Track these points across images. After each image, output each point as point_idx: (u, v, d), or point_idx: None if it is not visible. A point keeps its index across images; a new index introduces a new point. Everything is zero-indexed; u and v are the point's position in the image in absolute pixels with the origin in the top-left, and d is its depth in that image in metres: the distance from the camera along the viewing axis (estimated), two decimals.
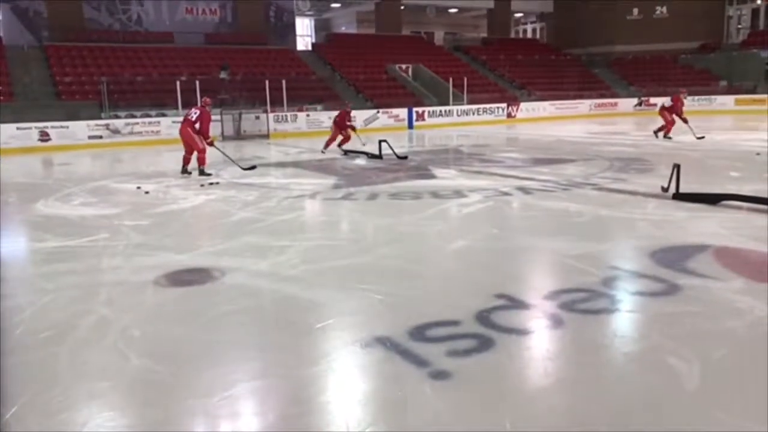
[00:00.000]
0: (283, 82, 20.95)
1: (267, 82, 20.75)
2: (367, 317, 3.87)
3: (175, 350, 3.45)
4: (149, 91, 20.79)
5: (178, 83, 19.31)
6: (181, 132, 10.86)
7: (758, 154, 11.83)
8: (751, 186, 7.94)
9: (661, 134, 15.77)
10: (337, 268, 4.94)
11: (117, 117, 18.88)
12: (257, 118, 19.88)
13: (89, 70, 21.53)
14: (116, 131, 18.08)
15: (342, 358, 3.32)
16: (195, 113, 10.67)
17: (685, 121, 15.14)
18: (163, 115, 19.17)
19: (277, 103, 20.79)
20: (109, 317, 3.95)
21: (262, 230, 6.41)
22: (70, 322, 3.85)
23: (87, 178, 11.00)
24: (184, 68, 22.81)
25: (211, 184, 9.63)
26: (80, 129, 17.64)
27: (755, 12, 32.80)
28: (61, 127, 17.40)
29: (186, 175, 10.60)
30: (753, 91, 27.45)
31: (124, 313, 4.00)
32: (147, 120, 18.70)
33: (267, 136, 19.58)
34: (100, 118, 18.68)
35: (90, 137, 17.65)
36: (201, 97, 19.23)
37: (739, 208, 6.70)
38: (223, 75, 22.92)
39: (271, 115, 20.03)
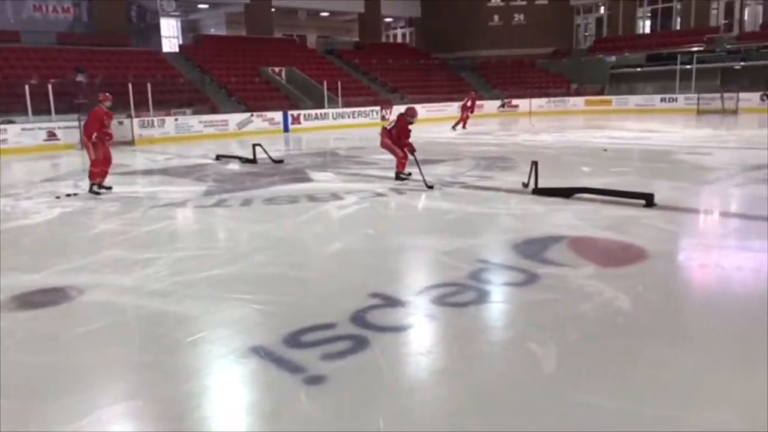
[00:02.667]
0: (149, 85, 19.85)
1: (130, 85, 19.55)
2: (240, 327, 3.77)
3: (25, 380, 3.14)
4: None
5: (27, 87, 17.65)
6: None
7: (606, 150, 13.02)
8: (600, 179, 8.71)
9: (458, 127, 20.76)
10: (209, 279, 4.76)
11: None
12: (120, 123, 18.61)
13: None
14: None
15: (214, 372, 3.20)
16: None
17: (467, 117, 21.25)
18: (10, 122, 17.41)
19: (142, 108, 19.65)
20: None
21: (126, 243, 6.02)
22: None
23: None
24: (33, 70, 20.89)
25: (69, 195, 8.89)
26: None
27: (599, 21, 36.03)
28: None
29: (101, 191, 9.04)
30: (600, 93, 30.17)
31: None
32: None
33: (132, 142, 18.46)
34: None
35: None
36: (54, 101, 17.86)
37: (591, 200, 7.32)
38: (79, 78, 21.28)
39: (135, 120, 18.89)
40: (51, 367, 3.27)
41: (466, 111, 21.52)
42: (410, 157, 9.32)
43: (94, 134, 8.96)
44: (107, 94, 9.39)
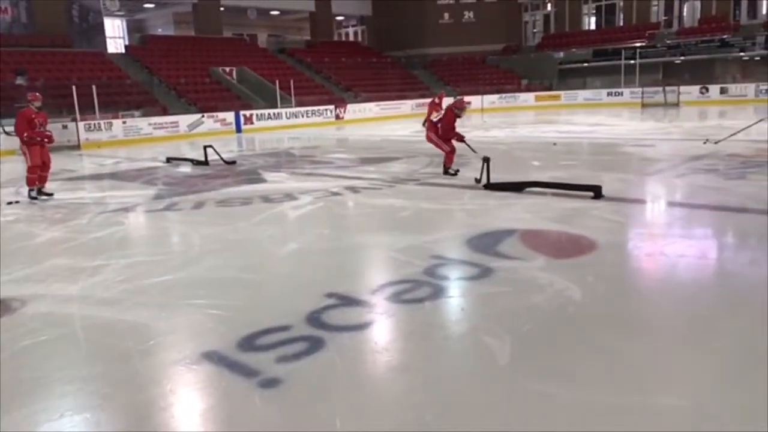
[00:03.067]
0: (94, 87, 19.23)
1: (74, 87, 18.91)
2: (193, 333, 3.70)
3: None
4: None
5: None
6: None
7: (555, 144, 13.31)
8: (550, 173, 8.90)
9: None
10: (160, 285, 4.65)
11: None
12: (65, 127, 18.01)
13: None
14: None
15: (167, 379, 3.13)
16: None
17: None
18: None
19: (88, 111, 19.04)
20: None
21: (72, 251, 5.82)
22: None
23: None
24: None
25: (9, 203, 8.54)
26: None
27: (547, 18, 36.81)
28: None
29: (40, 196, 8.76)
30: (549, 88, 30.85)
31: None
32: None
33: (78, 146, 17.86)
34: None
35: None
36: None
37: (541, 193, 7.47)
38: (20, 81, 20.47)
39: (81, 124, 18.29)
40: None
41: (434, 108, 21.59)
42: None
43: (25, 134, 8.56)
44: (36, 93, 8.94)
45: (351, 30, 43.62)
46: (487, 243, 5.34)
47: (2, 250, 6.12)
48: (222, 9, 31.57)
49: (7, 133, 8.34)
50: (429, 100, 29.48)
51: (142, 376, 3.17)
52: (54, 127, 17.88)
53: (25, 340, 3.66)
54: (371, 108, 26.87)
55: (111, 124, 19.03)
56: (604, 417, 2.60)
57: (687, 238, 5.42)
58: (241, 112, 22.45)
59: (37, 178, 8.74)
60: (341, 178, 9.71)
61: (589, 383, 2.87)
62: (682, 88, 25.68)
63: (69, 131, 17.98)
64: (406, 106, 28.15)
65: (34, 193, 8.68)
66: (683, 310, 3.79)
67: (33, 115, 8.66)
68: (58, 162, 14.45)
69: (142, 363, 3.32)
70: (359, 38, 42.45)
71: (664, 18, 32.68)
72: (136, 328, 3.78)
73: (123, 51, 28.54)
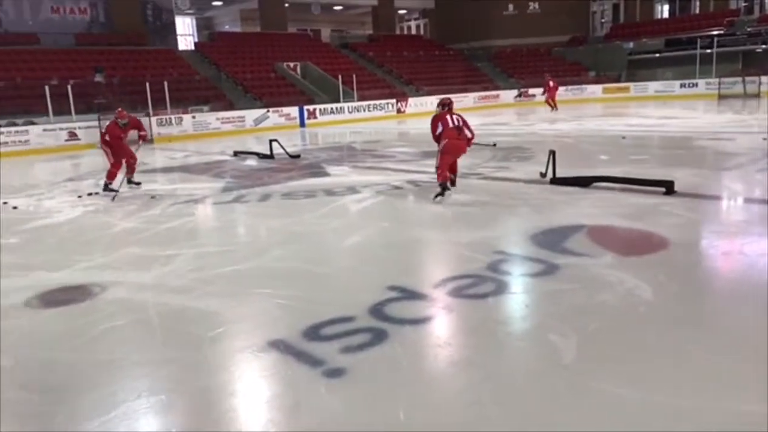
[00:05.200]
0: (165, 83, 20.02)
1: (148, 84, 19.74)
2: (260, 322, 3.80)
3: (52, 376, 3.21)
4: (13, 98, 19.10)
5: (47, 88, 17.90)
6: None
7: (624, 137, 12.85)
8: (619, 167, 8.60)
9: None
10: (229, 274, 4.80)
11: None
12: None
13: None
14: None
15: (235, 366, 3.23)
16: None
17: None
18: (32, 123, 17.69)
19: (160, 106, 19.85)
20: None
21: (147, 240, 6.09)
22: None
23: None
24: (52, 72, 21.17)
25: (90, 194, 9.02)
26: None
27: (616, 7, 35.51)
28: None
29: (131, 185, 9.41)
30: (617, 80, 29.76)
31: None
32: (13, 129, 17.16)
33: (151, 140, 18.62)
34: None
35: None
36: (74, 102, 18.09)
37: (610, 188, 7.23)
38: (98, 78, 21.54)
39: (154, 119, 19.07)
40: (76, 363, 3.33)
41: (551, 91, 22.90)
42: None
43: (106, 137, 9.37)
44: (123, 111, 9.59)
45: (413, 23, 43.50)
46: (552, 239, 5.23)
47: (84, 239, 6.48)
48: (287, 5, 32.14)
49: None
50: (492, 93, 29.24)
51: (212, 362, 3.29)
52: None
53: (104, 324, 3.86)
54: (432, 101, 26.57)
55: (181, 119, 19.77)
56: (673, 420, 2.50)
57: None
58: (305, 107, 22.81)
59: (116, 173, 9.20)
60: (403, 172, 9.72)
61: (658, 386, 2.76)
62: (764, 78, 24.20)
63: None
64: (469, 99, 27.80)
65: (114, 186, 9.07)
66: (761, 313, 3.59)
67: (120, 134, 9.31)
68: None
69: (211, 349, 3.44)
70: (421, 31, 42.27)
71: (744, 4, 30.91)
72: (206, 316, 3.92)
73: (192, 48, 29.51)
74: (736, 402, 2.60)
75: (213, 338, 3.57)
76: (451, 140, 7.21)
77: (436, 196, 7.16)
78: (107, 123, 9.93)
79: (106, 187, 9.03)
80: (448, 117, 7.40)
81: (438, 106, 7.77)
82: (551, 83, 22.98)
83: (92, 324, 3.86)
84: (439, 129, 7.36)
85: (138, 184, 9.61)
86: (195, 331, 3.65)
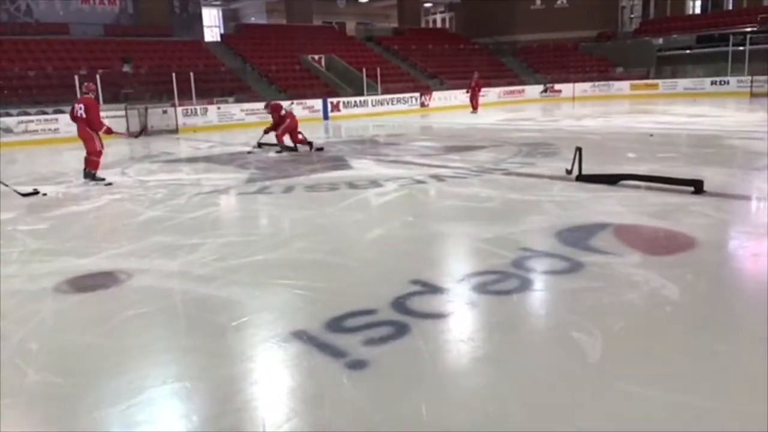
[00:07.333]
0: (191, 74, 20.22)
1: (174, 74, 19.95)
2: (283, 312, 3.82)
3: (78, 361, 3.27)
4: (44, 87, 19.48)
5: (76, 77, 18.17)
6: (79, 133, 9.43)
7: (652, 135, 12.64)
8: (646, 165, 8.47)
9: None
10: (252, 264, 4.84)
11: (8, 114, 17.54)
12: (164, 112, 19.09)
13: None
14: (8, 130, 16.79)
15: (258, 355, 3.26)
16: (80, 108, 9.07)
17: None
18: (61, 111, 17.98)
19: (185, 97, 20.05)
20: (3, 330, 3.67)
21: (172, 229, 6.17)
22: None
23: None
24: (82, 62, 21.52)
25: (108, 185, 9.08)
26: None
27: (646, 2, 34.90)
28: None
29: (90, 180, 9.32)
30: (646, 77, 29.30)
31: (20, 325, 3.73)
32: (43, 117, 17.49)
33: (176, 130, 18.86)
34: None
35: None
36: (102, 91, 18.35)
37: (636, 186, 7.13)
38: (126, 68, 21.83)
39: (179, 109, 19.29)
40: (102, 348, 3.39)
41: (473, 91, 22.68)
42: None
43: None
44: (89, 84, 9.60)
45: (439, 17, 43.28)
46: (578, 236, 5.17)
47: (111, 226, 6.59)
48: None
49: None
50: (517, 88, 28.95)
51: (236, 350, 3.32)
52: (154, 113, 19.00)
53: (130, 311, 3.91)
54: (457, 96, 26.54)
55: (206, 110, 19.95)
56: (699, 421, 2.46)
57: None
58: (329, 100, 22.85)
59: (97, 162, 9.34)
60: (426, 166, 9.69)
61: (684, 386, 2.72)
62: None
63: (168, 116, 19.02)
64: (493, 93, 27.63)
65: (96, 174, 9.24)
66: None
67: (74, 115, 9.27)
68: (158, 145, 15.38)
69: (235, 338, 3.48)
70: (447, 25, 42.03)
71: None
72: (230, 305, 3.96)
73: (218, 39, 29.74)
74: (762, 405, 2.55)
75: (237, 327, 3.60)
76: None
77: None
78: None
79: (93, 177, 9.16)
80: None
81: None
82: (474, 83, 22.53)
83: (119, 310, 3.92)
84: None
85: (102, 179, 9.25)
86: (219, 320, 3.69)
